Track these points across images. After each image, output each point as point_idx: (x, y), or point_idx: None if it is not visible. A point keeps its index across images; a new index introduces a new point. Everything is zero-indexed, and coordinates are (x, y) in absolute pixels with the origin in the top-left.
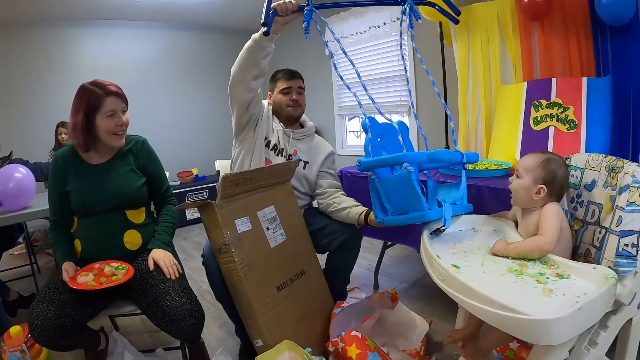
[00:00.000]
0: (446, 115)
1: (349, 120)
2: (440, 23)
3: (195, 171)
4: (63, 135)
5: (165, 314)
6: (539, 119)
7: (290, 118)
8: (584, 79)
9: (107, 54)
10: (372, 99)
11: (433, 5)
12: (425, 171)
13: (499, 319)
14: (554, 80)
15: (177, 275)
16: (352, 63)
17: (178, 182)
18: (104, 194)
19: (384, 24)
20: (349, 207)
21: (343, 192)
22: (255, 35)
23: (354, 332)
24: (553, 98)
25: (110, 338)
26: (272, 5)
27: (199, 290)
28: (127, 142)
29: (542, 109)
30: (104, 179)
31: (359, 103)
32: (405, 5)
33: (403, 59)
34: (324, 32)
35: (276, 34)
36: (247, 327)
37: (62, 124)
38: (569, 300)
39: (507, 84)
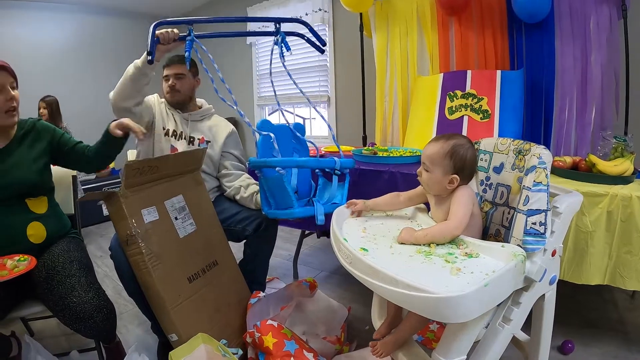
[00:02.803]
0: (364, 106)
1: (269, 114)
2: (361, 14)
3: (111, 164)
4: (42, 110)
5: (72, 311)
6: (453, 109)
7: (171, 104)
8: (498, 72)
9: (16, 37)
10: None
11: (302, 36)
12: (317, 170)
13: (405, 298)
14: (469, 72)
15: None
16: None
17: (94, 176)
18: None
19: (306, 14)
20: (255, 193)
21: (248, 175)
22: (138, 62)
23: (269, 322)
24: (468, 89)
25: (22, 343)
26: (155, 33)
27: (115, 289)
28: (21, 126)
29: (457, 99)
30: None
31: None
32: (278, 36)
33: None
34: (205, 60)
35: (158, 61)
36: (160, 321)
37: (42, 99)
38: (477, 277)
39: (424, 75)
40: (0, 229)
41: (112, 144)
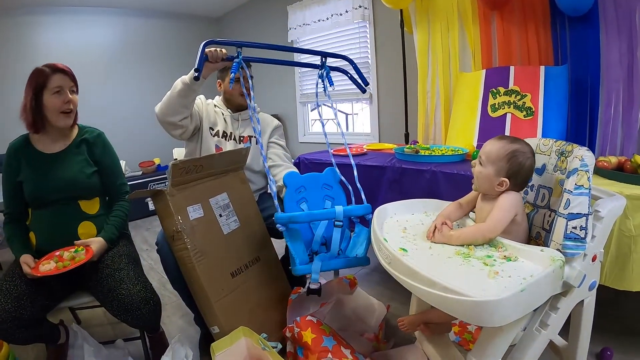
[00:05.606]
0: (406, 103)
1: (312, 110)
2: (401, 11)
3: (157, 161)
4: None
5: (121, 302)
6: (496, 106)
7: (242, 106)
8: (542, 67)
9: (66, 42)
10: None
11: (345, 72)
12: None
13: (441, 300)
14: (512, 68)
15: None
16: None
17: (140, 172)
18: (56, 183)
19: (346, 11)
20: None
21: (295, 169)
22: (186, 79)
23: (309, 317)
24: (511, 85)
25: (70, 331)
26: (204, 52)
27: (160, 281)
28: (82, 132)
29: (500, 96)
30: (56, 168)
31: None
32: (322, 70)
33: None
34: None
35: (204, 78)
36: (203, 314)
37: None
38: (514, 282)
39: (466, 72)
40: (54, 227)
41: None
